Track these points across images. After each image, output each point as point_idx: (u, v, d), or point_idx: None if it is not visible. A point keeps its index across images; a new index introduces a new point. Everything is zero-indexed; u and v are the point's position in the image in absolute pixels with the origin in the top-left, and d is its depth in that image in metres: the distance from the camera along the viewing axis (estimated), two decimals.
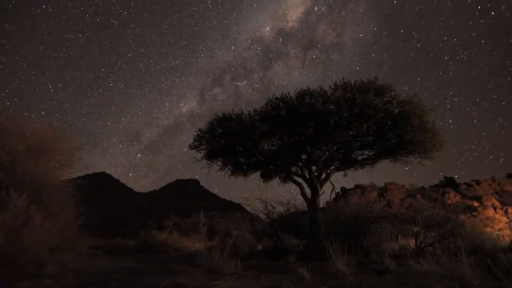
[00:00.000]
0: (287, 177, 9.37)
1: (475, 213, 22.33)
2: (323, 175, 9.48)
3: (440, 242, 7.08)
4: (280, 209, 9.49)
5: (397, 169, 9.25)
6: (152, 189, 79.58)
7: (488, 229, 16.82)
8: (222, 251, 3.89)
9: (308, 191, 9.28)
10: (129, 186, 73.42)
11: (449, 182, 31.43)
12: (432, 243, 7.62)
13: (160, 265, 4.50)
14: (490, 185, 27.61)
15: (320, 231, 7.94)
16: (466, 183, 30.47)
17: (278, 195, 12.47)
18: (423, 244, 7.70)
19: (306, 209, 8.75)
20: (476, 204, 24.63)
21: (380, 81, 7.22)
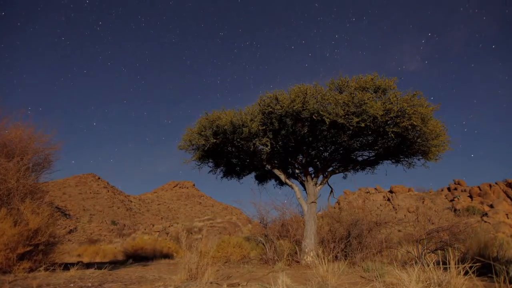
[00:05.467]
0: (283, 180, 9.37)
1: (485, 218, 22.37)
2: (321, 177, 9.49)
3: (442, 249, 7.08)
4: (275, 213, 9.51)
5: (405, 172, 9.25)
6: (144, 192, 79.64)
7: (499, 235, 16.86)
8: (203, 258, 3.89)
9: (304, 194, 9.30)
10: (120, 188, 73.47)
11: (460, 185, 31.47)
12: (434, 249, 7.62)
13: (138, 272, 4.51)
14: (502, 189, 27.65)
15: (315, 237, 7.94)
16: (478, 187, 30.56)
17: (273, 199, 12.45)
18: (425, 251, 7.69)
19: (302, 213, 8.76)
20: (487, 208, 24.68)
21: (380, 78, 7.20)
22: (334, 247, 7.44)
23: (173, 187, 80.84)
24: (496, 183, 28.23)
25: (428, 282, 2.47)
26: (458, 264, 2.65)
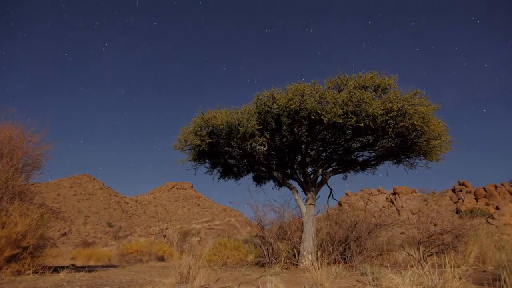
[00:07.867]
0: (280, 180, 9.37)
1: (491, 220, 22.36)
2: (320, 178, 9.49)
3: (443, 252, 7.09)
4: (273, 215, 9.51)
5: (406, 173, 9.29)
6: (141, 193, 79.58)
7: (504, 237, 16.83)
8: (197, 261, 3.90)
9: (303, 195, 9.30)
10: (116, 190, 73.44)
11: (465, 187, 31.47)
12: (435, 252, 7.63)
13: (130, 276, 4.52)
14: (508, 190, 27.63)
15: (314, 240, 7.95)
16: (483, 188, 30.55)
17: (272, 200, 12.46)
18: (426, 254, 7.71)
19: (300, 215, 8.77)
20: (492, 210, 24.66)
21: (380, 77, 7.19)
22: (333, 250, 7.45)
23: (171, 188, 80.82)
24: (502, 184, 28.23)
25: (422, 286, 2.48)
26: (454, 267, 2.66)
